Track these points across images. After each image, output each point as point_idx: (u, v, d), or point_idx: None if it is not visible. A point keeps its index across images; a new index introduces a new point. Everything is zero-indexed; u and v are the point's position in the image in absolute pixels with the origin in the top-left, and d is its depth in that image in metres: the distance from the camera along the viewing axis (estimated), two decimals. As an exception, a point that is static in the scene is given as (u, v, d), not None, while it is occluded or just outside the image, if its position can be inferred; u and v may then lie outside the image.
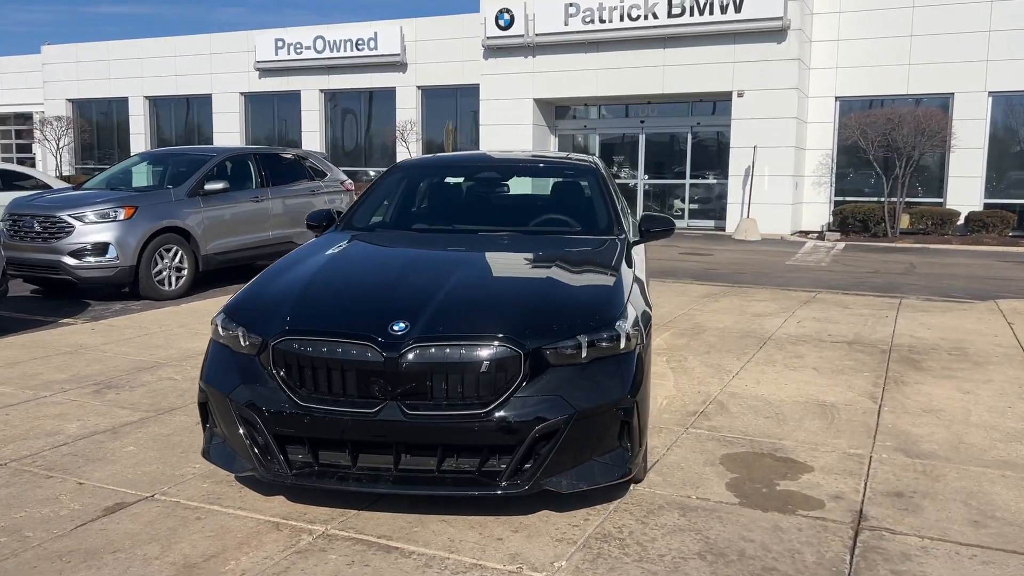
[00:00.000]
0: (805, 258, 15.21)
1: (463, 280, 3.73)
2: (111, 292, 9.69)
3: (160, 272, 9.44)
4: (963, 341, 7.27)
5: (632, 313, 3.67)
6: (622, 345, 3.49)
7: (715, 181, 21.06)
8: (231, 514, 3.61)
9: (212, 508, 3.67)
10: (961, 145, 18.58)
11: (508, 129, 21.38)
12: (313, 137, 25.70)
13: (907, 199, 18.84)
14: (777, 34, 18.71)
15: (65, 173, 28.31)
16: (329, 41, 24.83)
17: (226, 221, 10.24)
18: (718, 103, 20.45)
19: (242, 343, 3.53)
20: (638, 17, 19.66)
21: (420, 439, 3.31)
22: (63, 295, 9.73)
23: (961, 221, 18.45)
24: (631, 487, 3.90)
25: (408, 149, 23.31)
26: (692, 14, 19.15)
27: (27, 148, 33.01)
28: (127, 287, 9.40)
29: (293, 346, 3.37)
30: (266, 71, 26.12)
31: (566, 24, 20.34)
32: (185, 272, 9.71)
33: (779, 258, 15.02)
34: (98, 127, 30.25)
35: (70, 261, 8.99)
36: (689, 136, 21.28)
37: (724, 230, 20.03)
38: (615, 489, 3.83)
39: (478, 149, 22.31)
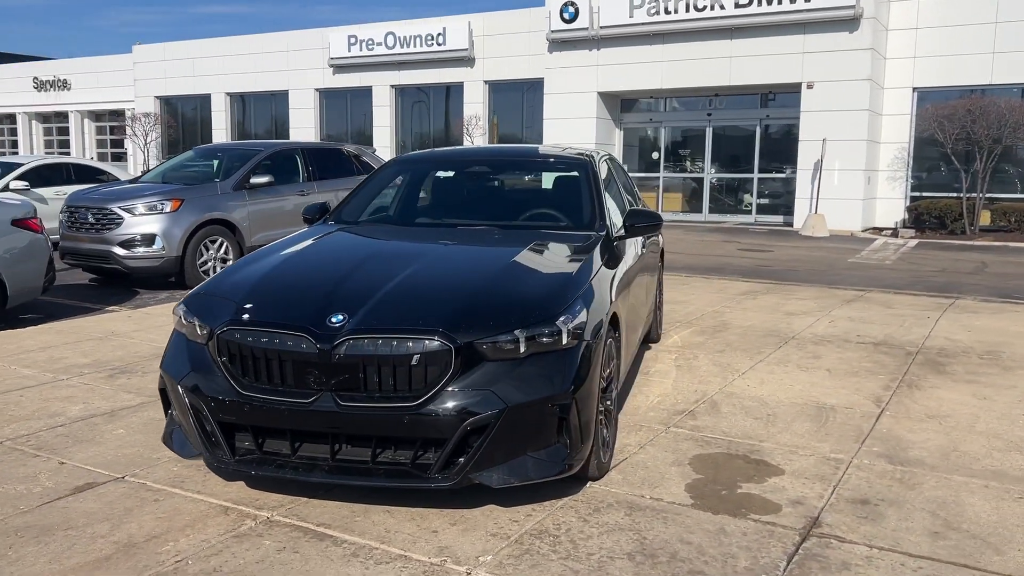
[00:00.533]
0: (870, 256, 14.68)
1: (414, 273, 3.76)
2: (160, 282, 10.09)
3: (205, 263, 9.78)
4: (1001, 344, 6.90)
5: (583, 309, 3.62)
6: (564, 341, 3.45)
7: (783, 175, 20.50)
8: (188, 497, 3.73)
9: (173, 491, 3.80)
10: (1048, 138, 17.58)
11: (572, 123, 21.30)
12: (384, 132, 26.14)
13: (988, 195, 17.97)
14: (849, 23, 18.07)
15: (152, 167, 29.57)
16: (399, 37, 25.18)
17: (271, 214, 10.53)
18: (787, 95, 19.88)
19: (197, 332, 3.65)
20: (704, 7, 19.28)
21: (353, 430, 3.35)
22: (117, 284, 10.19)
23: (1047, 218, 17.47)
24: (587, 484, 3.86)
25: (473, 142, 23.46)
26: (760, 3, 18.68)
27: (120, 143, 34.59)
28: (173, 277, 9.78)
29: (235, 336, 3.46)
30: (340, 67, 26.67)
31: (631, 16, 20.12)
32: (230, 263, 10.01)
33: (842, 255, 14.53)
34: (183, 123, 31.46)
35: (120, 251, 9.40)
36: (758, 129, 20.77)
37: (791, 226, 19.49)
38: (568, 486, 3.80)
39: (542, 143, 22.30)
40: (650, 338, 6.63)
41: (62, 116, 36.78)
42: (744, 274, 11.58)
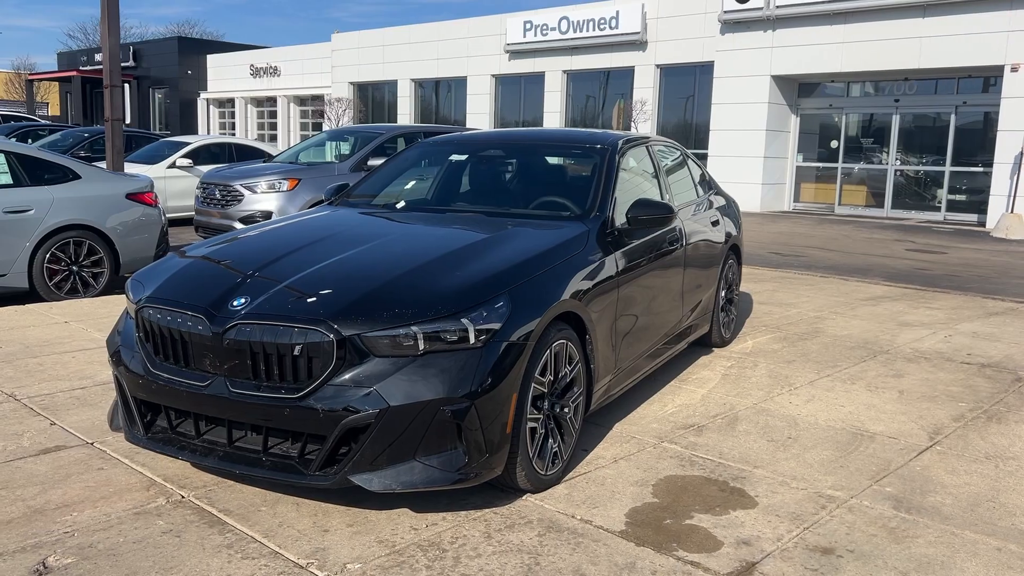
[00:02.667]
0: (1065, 263, 12.79)
1: (343, 260, 3.58)
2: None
3: (319, 241, 10.12)
4: None
5: (506, 306, 3.29)
6: (471, 340, 3.16)
7: (979, 169, 18.34)
8: (130, 469, 3.79)
9: (121, 461, 3.88)
10: None
11: (742, 108, 20.21)
12: (554, 118, 26.05)
13: None
14: (1064, -4, 15.80)
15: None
16: (573, 21, 24.95)
17: (387, 195, 10.71)
18: (986, 79, 17.72)
19: (130, 306, 3.69)
20: (892, -17, 17.56)
21: (242, 417, 3.24)
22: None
23: None
24: (522, 497, 3.55)
25: (637, 128, 22.84)
26: (958, -23, 16.74)
27: (319, 127, 36.87)
28: (288, 253, 10.19)
29: (148, 312, 3.45)
30: (515, 53, 26.85)
31: (809, -6, 18.70)
32: (344, 242, 10.32)
33: (1028, 261, 12.77)
34: (373, 107, 33.01)
35: (239, 227, 9.92)
36: (952, 117, 18.70)
37: (984, 225, 17.42)
38: (497, 497, 3.51)
39: (709, 130, 21.33)
40: (710, 341, 6.07)
41: (272, 100, 39.73)
42: (890, 277, 10.43)
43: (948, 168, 18.90)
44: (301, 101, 38.72)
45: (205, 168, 14.07)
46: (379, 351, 3.11)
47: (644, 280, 4.50)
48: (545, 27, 25.67)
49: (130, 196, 8.23)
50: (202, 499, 3.49)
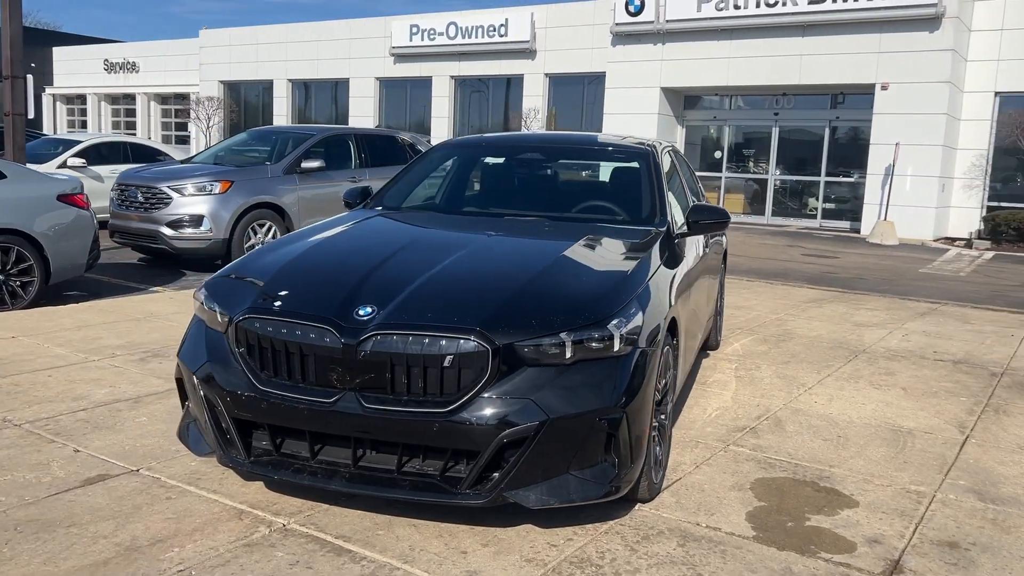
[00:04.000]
0: (943, 267, 13.93)
1: (452, 265, 3.41)
2: (208, 264, 9.95)
3: (253, 246, 9.60)
4: (1097, 369, 6.30)
5: (639, 312, 3.23)
6: (616, 347, 3.07)
7: (852, 180, 19.71)
8: (202, 497, 3.45)
9: (187, 489, 3.53)
10: None
11: (633, 119, 20.77)
12: (442, 123, 25.93)
13: (1072, 207, 16.98)
14: (930, 22, 17.23)
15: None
16: (461, 27, 24.93)
17: (321, 199, 10.31)
18: (859, 96, 19.07)
19: (218, 319, 3.36)
20: (776, 3, 18.60)
21: (378, 435, 3.02)
22: (165, 265, 10.08)
23: None
24: (636, 507, 3.48)
25: (531, 136, 23.08)
26: (835, 0, 17.91)
27: (183, 126, 35.05)
28: (220, 260, 9.62)
29: (255, 325, 3.15)
30: (401, 57, 26.54)
31: (699, 10, 19.52)
32: (277, 248, 9.83)
33: (912, 265, 13.82)
34: (246, 108, 31.72)
35: (167, 231, 9.28)
36: (826, 130, 20.00)
37: (859, 232, 18.70)
38: (615, 508, 3.42)
39: (601, 138, 21.82)
40: (708, 345, 6.20)
41: (130, 98, 37.45)
42: (809, 280, 11.01)
43: (823, 178, 20.18)
44: (163, 100, 36.70)
45: (99, 168, 13.10)
46: (530, 360, 2.98)
47: (696, 284, 4.55)
48: (433, 32, 25.52)
49: (61, 198, 7.52)
50: (307, 525, 3.22)
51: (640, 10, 20.24)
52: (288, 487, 3.51)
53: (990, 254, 16.18)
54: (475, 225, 4.25)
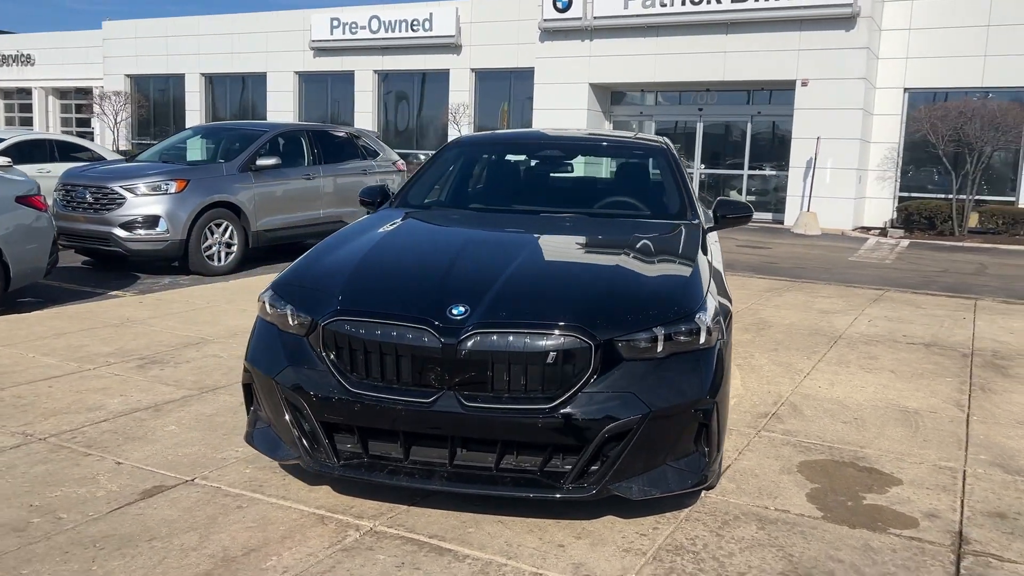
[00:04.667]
0: (868, 255, 14.63)
1: (525, 263, 3.44)
2: (161, 266, 9.61)
3: (210, 247, 9.32)
4: (1051, 347, 6.78)
5: (712, 305, 3.34)
6: (702, 340, 3.17)
7: (774, 173, 20.45)
8: (273, 504, 3.38)
9: (254, 496, 3.45)
10: (1037, 141, 17.71)
11: (562, 114, 20.99)
12: (366, 118, 25.57)
13: (976, 197, 18.07)
14: (846, 21, 18.02)
15: (122, 148, 28.63)
16: (384, 21, 24.64)
17: (277, 198, 10.09)
18: (780, 92, 19.80)
19: (290, 322, 3.29)
20: (700, 1, 19.10)
21: (478, 433, 3.03)
22: (114, 267, 9.68)
23: (1034, 221, 17.60)
24: (702, 494, 3.59)
25: (460, 132, 23.05)
26: (757, -1, 18.54)
27: (87, 122, 33.47)
28: (176, 261, 9.31)
29: (345, 327, 3.11)
30: (321, 51, 26.05)
31: (625, 7, 19.86)
32: (235, 248, 9.58)
33: (840, 254, 14.47)
34: (155, 103, 30.53)
35: (121, 233, 8.90)
36: (749, 125, 20.69)
37: (782, 223, 19.43)
38: (685, 496, 3.52)
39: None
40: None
41: (25, 92, 35.50)
42: (756, 270, 11.41)
43: (746, 172, 20.88)
44: (62, 94, 34.96)
45: (25, 167, 12.39)
46: (627, 355, 3.04)
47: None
48: (355, 25, 25.13)
49: (19, 200, 7.13)
50: (394, 527, 3.21)
51: (568, 7, 20.46)
52: (355, 489, 3.48)
53: (906, 242, 17.07)
54: (517, 223, 4.28)
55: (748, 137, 20.68)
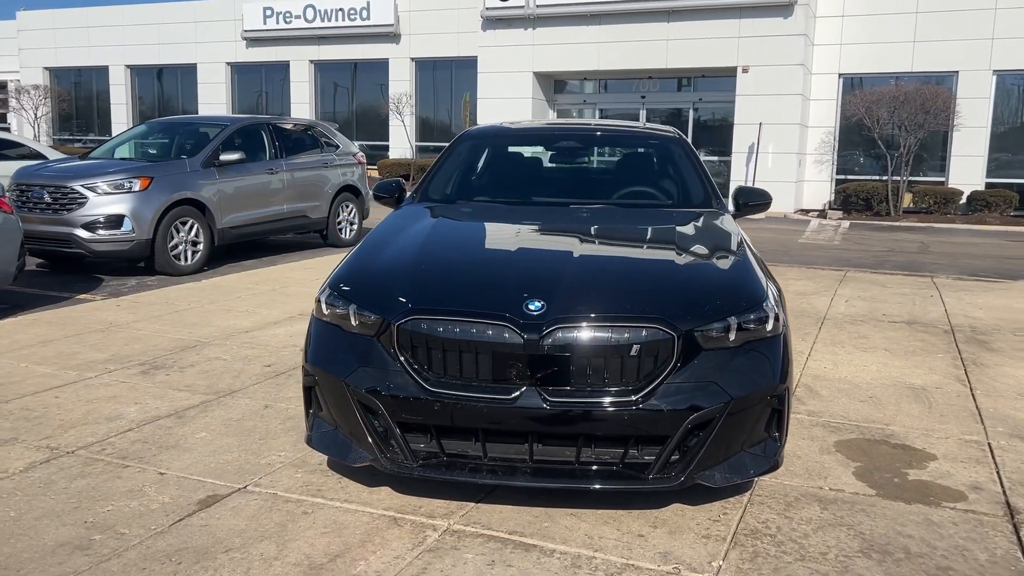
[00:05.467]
0: (815, 236, 15.07)
1: (587, 256, 3.45)
2: (122, 267, 9.27)
3: (176, 246, 9.02)
4: (1021, 322, 7.11)
5: (772, 293, 3.41)
6: (769, 327, 3.23)
7: (717, 158, 20.83)
8: (339, 507, 3.32)
9: (316, 501, 3.38)
10: (965, 124, 18.48)
11: (507, 103, 20.97)
12: (303, 109, 25.09)
13: (909, 178, 18.76)
14: (784, 8, 18.45)
15: (44, 143, 27.43)
16: (320, 10, 24.16)
17: (241, 194, 9.83)
18: (722, 79, 20.17)
19: (353, 322, 3.23)
20: (642, -11, 19.28)
21: (561, 428, 3.03)
22: (71, 269, 9.29)
23: (963, 200, 18.37)
24: (756, 479, 3.66)
25: (403, 123, 22.82)
26: (697, -13, 18.82)
27: (2, 118, 31.95)
28: (142, 262, 8.99)
29: (421, 326, 3.06)
30: (254, 40, 25.42)
31: (568, -5, 19.92)
32: (201, 246, 9.30)
33: (789, 236, 14.86)
34: (77, 97, 29.33)
35: (83, 234, 8.55)
36: (691, 112, 21.03)
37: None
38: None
39: (475, 123, 21.91)
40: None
41: (-68, 87, 33.65)
42: (717, 255, 11.63)
43: (689, 157, 21.21)
44: (-27, 88, 33.26)
45: (-39, 166, 11.79)
46: (705, 345, 3.08)
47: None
48: (288, 14, 24.60)
49: (-16, 201, 6.79)
50: (471, 525, 3.19)
51: (510, -5, 20.41)
52: (417, 489, 3.44)
53: (846, 223, 17.63)
54: (554, 215, 4.28)
55: (691, 124, 21.02)
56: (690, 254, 3.57)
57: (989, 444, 4.17)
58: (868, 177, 19.64)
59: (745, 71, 19.15)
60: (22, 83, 28.71)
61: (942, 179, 19.25)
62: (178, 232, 9.05)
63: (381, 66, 24.21)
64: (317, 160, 11.16)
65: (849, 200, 18.99)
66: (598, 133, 5.25)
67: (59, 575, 2.81)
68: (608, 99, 22.10)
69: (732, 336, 3.13)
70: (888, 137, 18.55)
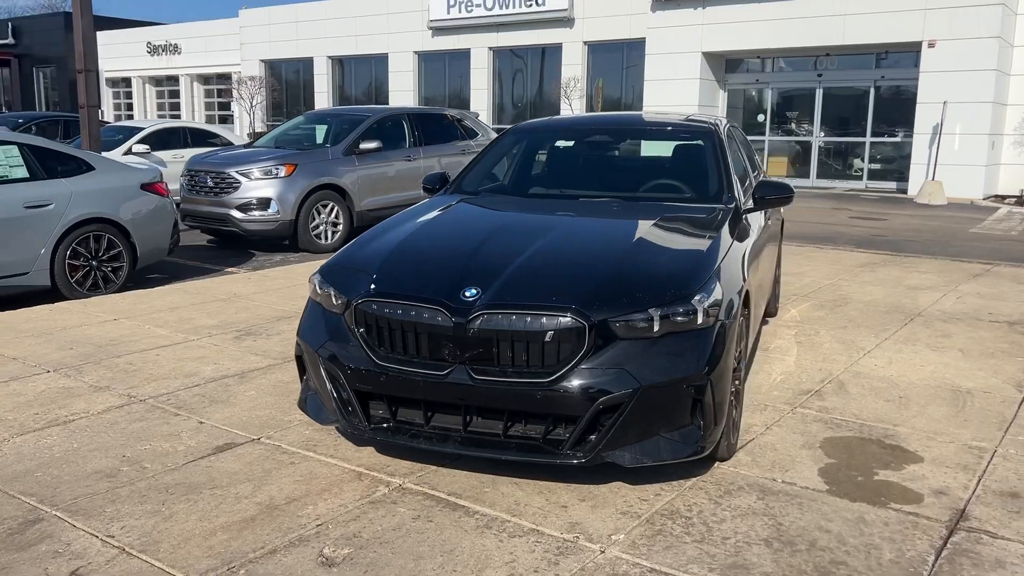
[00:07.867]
0: (994, 226, 13.91)
1: (542, 248, 3.73)
2: (275, 244, 10.39)
3: (317, 227, 10.01)
4: None
5: (718, 287, 3.53)
6: (699, 320, 3.37)
7: (898, 139, 19.56)
8: (322, 461, 3.84)
9: (307, 454, 3.92)
10: None
11: (674, 84, 20.78)
12: (481, 95, 26.10)
13: None
14: (977, -24, 16.96)
15: (258, 130, 30.38)
16: (499, -2, 24.98)
17: (379, 179, 10.68)
18: (904, 55, 18.87)
19: (333, 302, 3.72)
20: (818, -37, 18.39)
21: (486, 403, 3.37)
22: (234, 246, 10.55)
23: None
24: (715, 465, 3.80)
25: (571, 106, 23.20)
26: (879, -42, 17.70)
27: (226, 106, 35.63)
28: (287, 240, 10.05)
29: (372, 307, 3.51)
30: (438, 30, 26.69)
31: (739, -27, 19.37)
32: (340, 227, 10.24)
33: (962, 225, 13.82)
34: (287, 86, 32.13)
35: (237, 214, 9.71)
36: (871, 90, 19.83)
37: (906, 192, 18.62)
38: (696, 466, 3.74)
39: (643, 106, 21.88)
40: (768, 312, 6.44)
41: (173, 79, 38.07)
42: (859, 244, 11.14)
43: (868, 139, 20.06)
44: (205, 80, 37.29)
45: (161, 154, 13.59)
46: (622, 334, 3.29)
47: (762, 255, 4.81)
48: (469, 3, 25.61)
49: (144, 187, 7.96)
50: (420, 484, 3.59)
51: (680, -25, 20.14)
52: (399, 450, 3.89)
53: (1041, 211, 16.06)
54: (554, 208, 4.56)
55: (871, 103, 19.83)
56: (641, 248, 3.75)
57: (995, 451, 4.00)
58: (1075, 160, 17.70)
59: (931, 46, 17.82)
60: (242, 75, 31.90)
61: None
62: (319, 214, 10.03)
63: (555, 51, 24.68)
64: (455, 147, 11.83)
65: (1051, 186, 17.24)
66: (633, 128, 5.40)
67: (82, 494, 3.52)
68: (782, 78, 21.29)
69: (655, 327, 3.31)
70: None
